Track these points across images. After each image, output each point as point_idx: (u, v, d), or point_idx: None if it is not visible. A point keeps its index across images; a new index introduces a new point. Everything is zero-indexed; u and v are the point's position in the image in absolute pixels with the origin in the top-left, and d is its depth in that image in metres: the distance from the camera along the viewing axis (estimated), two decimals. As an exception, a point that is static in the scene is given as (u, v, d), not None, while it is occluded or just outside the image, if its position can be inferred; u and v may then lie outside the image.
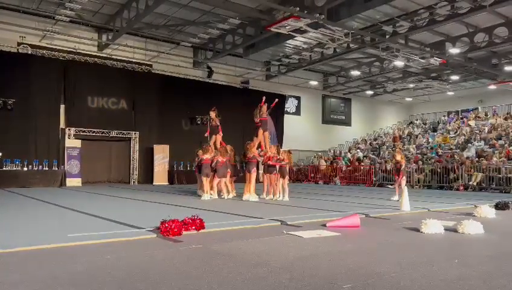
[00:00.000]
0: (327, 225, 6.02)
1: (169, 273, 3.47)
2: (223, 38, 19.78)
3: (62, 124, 18.32)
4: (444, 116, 28.89)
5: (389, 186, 18.79)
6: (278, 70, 24.49)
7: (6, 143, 16.32)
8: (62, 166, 17.74)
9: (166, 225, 5.14)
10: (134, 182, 20.00)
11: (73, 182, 17.72)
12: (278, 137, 25.23)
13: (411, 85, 27.69)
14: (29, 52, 17.72)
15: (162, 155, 20.20)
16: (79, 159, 18.15)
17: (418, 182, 18.28)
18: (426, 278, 3.39)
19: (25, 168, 16.71)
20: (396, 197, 10.66)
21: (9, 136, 16.54)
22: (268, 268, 3.64)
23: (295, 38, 18.33)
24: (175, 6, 16.58)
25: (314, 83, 26.74)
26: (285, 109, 26.50)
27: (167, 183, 19.97)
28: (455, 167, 17.25)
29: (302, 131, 27.00)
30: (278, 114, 25.50)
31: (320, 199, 11.57)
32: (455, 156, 18.99)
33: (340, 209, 8.31)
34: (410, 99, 31.94)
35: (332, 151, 27.25)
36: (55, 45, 18.34)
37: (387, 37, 17.49)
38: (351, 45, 19.00)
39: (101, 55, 19.57)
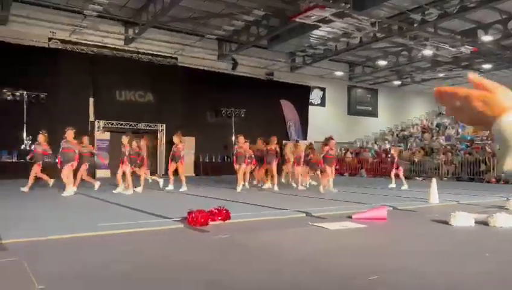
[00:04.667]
0: (353, 217, 5.98)
1: (194, 262, 3.54)
2: (247, 30, 19.75)
3: (91, 117, 18.81)
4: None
5: (417, 178, 18.45)
6: (302, 61, 24.27)
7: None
8: (92, 158, 18.20)
9: (193, 215, 5.23)
10: (161, 173, 20.35)
11: (102, 173, 18.19)
12: (303, 129, 25.22)
13: (440, 74, 26.91)
14: (60, 47, 18.23)
15: (187, 147, 20.45)
16: (108, 151, 18.60)
17: (447, 174, 17.85)
18: (453, 271, 3.33)
19: (57, 160, 17.23)
20: (393, 185, 12.39)
21: (42, 129, 17.06)
22: (292, 259, 3.66)
23: (320, 29, 18.04)
24: (200, -1, 16.66)
25: (339, 73, 26.37)
26: (310, 101, 26.31)
27: (193, 174, 20.23)
28: (486, 159, 16.74)
29: (327, 122, 26.69)
30: (302, 106, 25.41)
31: (346, 190, 11.46)
32: (486, 147, 18.41)
33: (367, 202, 8.23)
34: (440, 89, 31.02)
35: (358, 142, 26.90)
36: (84, 39, 18.77)
37: (415, 25, 17.02)
38: (378, 34, 18.59)
39: (128, 49, 19.89)
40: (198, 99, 20.88)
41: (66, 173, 9.47)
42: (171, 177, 11.50)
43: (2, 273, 3.16)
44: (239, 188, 10.99)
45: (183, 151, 11.44)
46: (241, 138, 11.42)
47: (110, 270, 3.25)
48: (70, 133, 9.69)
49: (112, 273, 3.19)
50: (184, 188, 11.02)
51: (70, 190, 9.39)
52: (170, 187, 11.25)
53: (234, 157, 11.46)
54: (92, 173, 17.81)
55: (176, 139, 11.38)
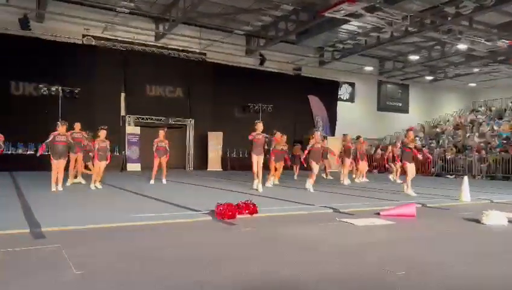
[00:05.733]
0: (381, 213, 5.93)
1: (223, 253, 3.61)
2: (275, 25, 19.70)
3: (123, 112, 19.30)
4: (511, 102, 26.93)
5: (449, 176, 18.00)
6: (331, 56, 24.01)
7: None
8: (123, 152, 18.70)
9: (221, 208, 5.33)
10: (189, 167, 20.69)
11: (133, 167, 18.65)
12: (331, 125, 24.99)
13: (475, 69, 26.02)
14: (93, 44, 18.77)
15: (215, 142, 20.69)
16: (138, 145, 19.04)
17: (481, 172, 17.32)
18: (483, 271, 3.27)
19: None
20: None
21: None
22: (320, 253, 3.68)
23: (350, 23, 17.82)
24: (229, -6, 16.76)
25: (369, 68, 25.95)
26: (339, 96, 26.04)
27: (220, 169, 20.44)
28: (523, 157, 16.13)
29: (356, 118, 26.34)
30: (330, 101, 25.17)
31: (375, 187, 11.33)
32: (524, 145, 17.73)
33: (395, 199, 8.12)
34: (474, 84, 30.05)
35: (388, 139, 26.43)
36: (116, 36, 19.24)
37: (449, 19, 16.52)
38: (410, 29, 18.16)
39: (158, 45, 20.26)
40: (226, 94, 21.05)
41: (62, 166, 9.03)
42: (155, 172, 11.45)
43: (41, 259, 3.34)
44: (256, 184, 9.62)
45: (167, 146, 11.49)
46: (260, 125, 9.88)
47: (143, 260, 3.37)
48: (63, 128, 9.11)
49: (145, 263, 3.30)
50: (164, 181, 11.25)
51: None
52: (153, 181, 11.22)
53: (252, 146, 9.89)
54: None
55: (162, 134, 11.40)
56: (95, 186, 9.47)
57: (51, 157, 8.96)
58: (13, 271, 2.99)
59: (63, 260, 3.24)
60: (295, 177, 13.69)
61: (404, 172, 9.82)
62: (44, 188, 8.96)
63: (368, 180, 13.66)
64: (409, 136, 9.47)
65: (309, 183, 9.53)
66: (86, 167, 11.20)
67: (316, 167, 9.69)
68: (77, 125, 10.90)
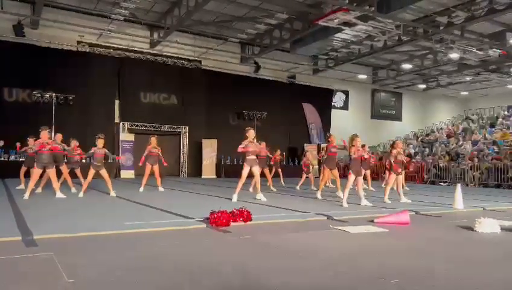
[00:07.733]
0: (375, 221, 5.94)
1: (219, 261, 3.60)
2: (270, 34, 19.84)
3: (117, 119, 19.24)
4: (503, 110, 27.21)
5: (442, 183, 18.09)
6: (325, 64, 24.19)
7: (66, 137, 17.34)
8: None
9: (215, 215, 5.31)
10: (183, 174, 20.62)
11: (127, 174, 18.56)
12: (325, 132, 25.08)
13: (467, 78, 26.32)
14: (87, 51, 18.75)
15: (210, 149, 20.66)
16: (132, 152, 18.97)
17: (473, 180, 17.43)
18: (479, 276, 3.28)
19: (83, 161, 17.68)
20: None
21: (69, 130, 17.56)
22: (315, 261, 3.68)
23: (344, 32, 17.98)
24: (223, 3, 16.86)
25: (363, 76, 26.15)
26: (333, 104, 26.18)
27: (215, 176, 20.40)
28: (515, 165, 16.25)
29: (350, 126, 26.44)
30: (324, 109, 25.31)
31: (368, 195, 11.34)
32: (515, 153, 17.86)
33: (389, 206, 8.13)
34: (466, 93, 30.36)
35: (382, 146, 26.57)
36: (111, 42, 19.24)
37: (441, 28, 16.74)
38: (403, 37, 18.38)
39: (153, 52, 20.29)
40: (220, 102, 21.10)
41: (53, 175, 8.65)
42: (145, 180, 11.18)
43: (33, 267, 3.30)
44: (258, 195, 9.18)
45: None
46: (251, 132, 9.07)
47: (136, 268, 3.35)
48: (44, 133, 8.58)
49: (138, 271, 3.28)
50: (161, 189, 11.19)
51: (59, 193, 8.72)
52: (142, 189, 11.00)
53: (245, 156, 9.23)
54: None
55: (154, 141, 11.22)
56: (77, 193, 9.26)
57: (35, 166, 8.54)
58: (4, 279, 2.95)
59: (55, 268, 3.21)
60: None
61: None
62: (36, 196, 8.88)
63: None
64: (397, 146, 9.29)
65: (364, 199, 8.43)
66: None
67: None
68: (58, 137, 10.67)
